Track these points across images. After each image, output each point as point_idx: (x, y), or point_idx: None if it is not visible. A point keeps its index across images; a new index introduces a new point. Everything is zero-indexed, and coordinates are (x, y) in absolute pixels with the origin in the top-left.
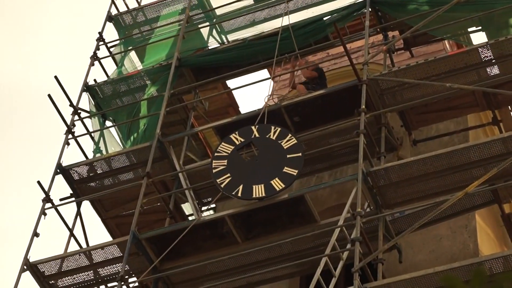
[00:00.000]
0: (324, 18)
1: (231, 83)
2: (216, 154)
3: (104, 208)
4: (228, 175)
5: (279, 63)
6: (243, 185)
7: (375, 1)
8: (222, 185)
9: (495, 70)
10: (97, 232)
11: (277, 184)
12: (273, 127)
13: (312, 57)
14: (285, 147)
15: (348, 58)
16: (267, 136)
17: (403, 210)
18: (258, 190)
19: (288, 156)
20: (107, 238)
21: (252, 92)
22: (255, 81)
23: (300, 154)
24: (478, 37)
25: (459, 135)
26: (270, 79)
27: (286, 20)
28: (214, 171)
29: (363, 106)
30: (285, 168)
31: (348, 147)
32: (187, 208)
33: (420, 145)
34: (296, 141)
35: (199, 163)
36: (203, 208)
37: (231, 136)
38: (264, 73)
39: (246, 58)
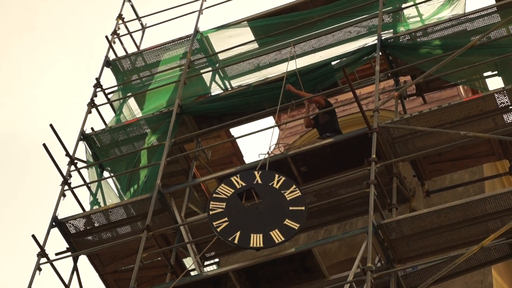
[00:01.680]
0: (333, 63)
1: (235, 131)
2: (214, 195)
3: (102, 263)
4: (226, 219)
5: (285, 110)
6: (241, 232)
7: (386, 45)
8: (219, 229)
9: None
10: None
11: (276, 236)
12: (277, 175)
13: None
14: (288, 199)
15: (358, 105)
16: (270, 184)
17: (416, 264)
18: (256, 240)
19: (290, 208)
20: None
21: (257, 140)
22: (260, 129)
23: (303, 208)
24: (494, 82)
25: (474, 186)
26: (275, 127)
27: (292, 65)
28: (211, 212)
29: (374, 155)
30: (287, 220)
31: (358, 199)
32: (189, 263)
33: (433, 196)
34: (300, 194)
35: (202, 215)
36: (206, 263)
37: (232, 179)
38: (269, 120)
39: (250, 105)
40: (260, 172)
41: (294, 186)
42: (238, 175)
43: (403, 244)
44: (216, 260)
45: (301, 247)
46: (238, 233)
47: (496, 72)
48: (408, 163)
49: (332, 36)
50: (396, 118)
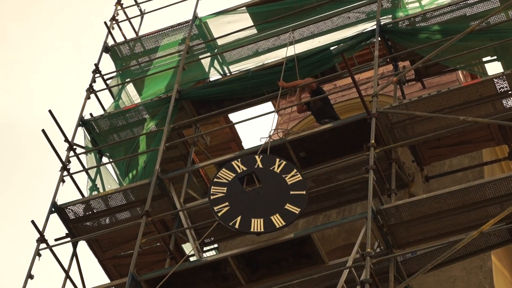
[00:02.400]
0: (331, 48)
1: (233, 116)
2: (215, 180)
3: (101, 248)
4: (227, 204)
5: (284, 95)
6: (242, 217)
7: (385, 30)
8: (219, 214)
9: (511, 102)
10: (94, 273)
11: (277, 220)
12: (278, 160)
13: None
14: (289, 183)
15: (357, 90)
16: (271, 169)
17: (415, 250)
18: (257, 224)
19: (291, 192)
20: (105, 280)
21: (256, 126)
22: (259, 114)
23: (304, 192)
24: (494, 67)
25: (473, 171)
26: (274, 113)
27: (291, 50)
28: (212, 197)
29: (373, 141)
30: (287, 205)
31: (357, 184)
32: (188, 248)
33: (432, 181)
34: (301, 178)
35: (201, 201)
36: (205, 248)
37: (233, 163)
38: (268, 106)
39: (249, 90)
40: (261, 156)
41: (295, 171)
42: (239, 160)
43: (402, 229)
44: (215, 245)
45: (300, 233)
46: (239, 218)
47: (495, 57)
48: (407, 148)
49: (331, 21)
50: (395, 103)
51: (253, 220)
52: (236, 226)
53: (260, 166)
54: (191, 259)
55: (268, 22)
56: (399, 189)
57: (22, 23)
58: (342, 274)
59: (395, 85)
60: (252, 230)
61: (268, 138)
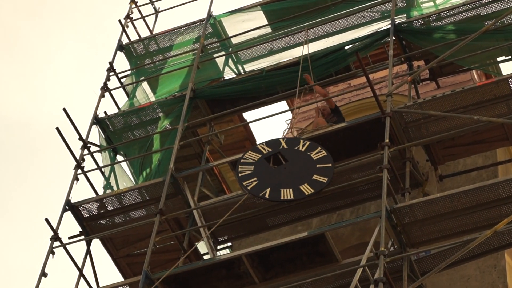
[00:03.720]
0: (346, 47)
1: (248, 115)
2: (242, 160)
3: (115, 246)
4: (255, 179)
5: (299, 94)
6: (271, 188)
7: (399, 30)
8: (249, 188)
9: None
10: (107, 271)
11: (306, 189)
12: (302, 140)
13: (333, 88)
14: (314, 158)
15: (371, 89)
16: (296, 148)
17: (428, 249)
18: (287, 193)
19: (317, 166)
20: (118, 278)
21: (270, 124)
22: (273, 113)
23: (330, 164)
24: (508, 67)
25: (487, 170)
26: (289, 111)
27: (305, 49)
28: (240, 174)
29: (387, 140)
30: (315, 175)
31: (371, 183)
32: (202, 246)
33: (446, 180)
34: (326, 154)
35: (215, 199)
36: (219, 247)
37: (258, 146)
38: (282, 104)
39: (263, 89)
40: (285, 139)
41: (319, 148)
42: (264, 143)
43: (416, 228)
44: (229, 244)
45: (314, 231)
46: (268, 189)
47: (510, 57)
48: (421, 147)
49: (346, 20)
50: (409, 103)
51: (282, 190)
52: (266, 196)
53: (285, 147)
54: (205, 257)
55: (283, 21)
56: (413, 188)
57: (36, 22)
58: (356, 273)
59: (409, 84)
60: (282, 198)
61: (290, 125)
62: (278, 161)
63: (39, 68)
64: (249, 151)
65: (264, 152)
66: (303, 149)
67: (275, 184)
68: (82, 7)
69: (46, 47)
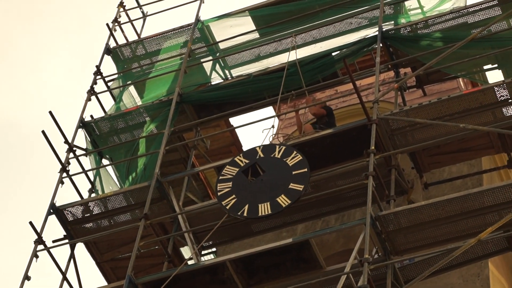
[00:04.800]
0: (333, 54)
1: (234, 120)
2: (220, 177)
3: (99, 250)
4: (233, 196)
5: (285, 100)
6: (249, 205)
7: (386, 37)
8: (228, 207)
9: (511, 110)
10: (91, 276)
11: (283, 200)
12: (277, 146)
13: (320, 94)
14: (290, 164)
15: (358, 96)
16: (272, 156)
17: (412, 257)
18: (264, 208)
19: (293, 172)
20: (102, 282)
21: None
22: (260, 119)
23: (306, 169)
24: (494, 75)
25: (472, 179)
26: (275, 117)
27: (293, 55)
28: (219, 193)
29: (373, 147)
30: (291, 184)
31: (356, 190)
32: (186, 251)
33: (431, 188)
34: (301, 157)
35: (200, 204)
36: (203, 252)
37: (236, 159)
38: (269, 110)
39: (250, 94)
40: (261, 147)
41: (295, 152)
42: (241, 155)
43: (401, 236)
44: (214, 249)
45: (298, 238)
46: (246, 207)
47: (496, 65)
48: (406, 155)
49: (333, 26)
50: (396, 110)
51: (260, 205)
52: (245, 214)
53: (262, 155)
54: (189, 262)
55: (271, 27)
56: (398, 196)
57: (25, 25)
58: (340, 279)
59: (396, 91)
60: (260, 214)
61: (271, 127)
62: (255, 172)
63: (26, 71)
64: (227, 166)
65: (242, 164)
66: (279, 156)
67: (253, 200)
68: (70, 10)
69: (33, 50)
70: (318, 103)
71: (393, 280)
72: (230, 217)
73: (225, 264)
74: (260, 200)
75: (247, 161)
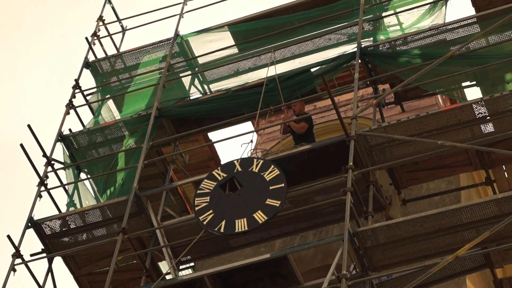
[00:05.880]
0: (312, 70)
1: (213, 135)
2: (198, 191)
3: (77, 264)
4: (211, 211)
5: (264, 115)
6: (226, 221)
7: (365, 53)
8: (205, 223)
9: (489, 128)
10: None
11: (259, 216)
12: (255, 160)
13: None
14: (267, 179)
15: (336, 112)
16: (250, 169)
17: (390, 273)
18: (241, 224)
19: (270, 188)
20: None
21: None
22: (238, 134)
23: (282, 184)
24: (472, 93)
25: (450, 195)
26: (253, 132)
27: (272, 71)
28: (196, 208)
29: (351, 163)
30: (268, 200)
31: (335, 206)
32: (164, 266)
33: (409, 204)
34: (279, 172)
35: (178, 219)
36: (181, 267)
37: (214, 172)
38: (247, 125)
39: (229, 109)
40: (239, 160)
41: (272, 166)
42: (219, 168)
43: (378, 252)
44: (192, 264)
45: (276, 253)
46: (223, 222)
47: (474, 82)
48: (385, 171)
49: (312, 42)
50: (374, 126)
51: (236, 221)
52: (222, 230)
53: (239, 169)
54: (167, 277)
55: (250, 42)
56: (376, 212)
57: (3, 38)
58: None
59: (374, 107)
60: (236, 230)
61: (250, 142)
62: (233, 186)
63: (4, 84)
64: (205, 180)
65: (219, 178)
66: (256, 170)
67: (230, 216)
68: (48, 23)
69: (12, 63)
70: (297, 119)
71: None
72: (207, 233)
73: (203, 279)
74: (237, 215)
75: (225, 175)
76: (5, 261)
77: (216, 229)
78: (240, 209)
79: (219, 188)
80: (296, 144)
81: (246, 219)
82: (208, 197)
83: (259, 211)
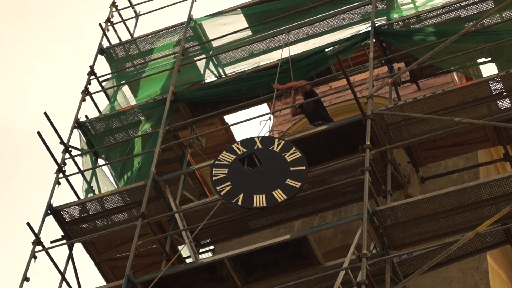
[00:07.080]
0: (326, 50)
1: (229, 118)
2: (216, 162)
3: (97, 250)
4: (229, 183)
5: (280, 97)
6: (244, 194)
7: (379, 32)
8: (222, 193)
9: (506, 103)
10: (90, 275)
11: (279, 195)
12: (276, 140)
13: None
14: (288, 160)
15: (352, 92)
16: (271, 148)
17: (411, 251)
18: (259, 200)
19: (291, 168)
20: (101, 282)
21: (251, 127)
22: (254, 116)
23: (304, 167)
24: (488, 69)
25: (469, 172)
26: (270, 114)
27: (286, 52)
28: (213, 178)
29: (368, 142)
30: (288, 180)
31: (353, 185)
32: (184, 250)
33: (428, 182)
34: (300, 155)
35: (196, 202)
36: (201, 250)
37: (233, 146)
38: (263, 107)
39: (244, 92)
40: (260, 138)
41: (294, 148)
42: (238, 142)
43: (398, 230)
44: (211, 247)
45: (296, 234)
46: (241, 195)
47: (490, 59)
48: (402, 149)
49: (326, 23)
50: (390, 105)
51: (255, 196)
52: (239, 203)
53: (260, 147)
54: (187, 260)
55: (263, 24)
56: (395, 190)
57: (17, 26)
58: (338, 275)
59: (390, 86)
60: (254, 205)
61: (269, 119)
62: (252, 162)
63: (20, 72)
64: (224, 152)
65: (239, 152)
66: (277, 149)
67: (248, 190)
68: (62, 11)
69: (27, 51)
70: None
71: (391, 275)
72: (226, 213)
73: (223, 261)
74: (255, 190)
75: (244, 150)
76: (26, 248)
77: (233, 201)
78: (259, 185)
79: (238, 162)
80: (311, 123)
81: (265, 195)
82: (227, 169)
83: (279, 190)
